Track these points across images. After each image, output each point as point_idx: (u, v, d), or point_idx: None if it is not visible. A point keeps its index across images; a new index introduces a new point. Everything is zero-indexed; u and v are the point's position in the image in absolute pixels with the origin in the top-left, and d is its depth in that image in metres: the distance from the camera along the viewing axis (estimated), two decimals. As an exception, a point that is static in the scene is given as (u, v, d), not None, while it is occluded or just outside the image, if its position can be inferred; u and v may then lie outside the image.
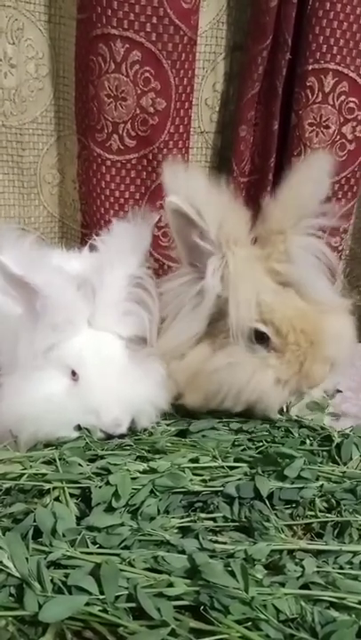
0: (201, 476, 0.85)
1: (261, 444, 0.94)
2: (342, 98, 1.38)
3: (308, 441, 0.96)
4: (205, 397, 0.97)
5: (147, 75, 1.32)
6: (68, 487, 0.79)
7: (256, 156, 1.49)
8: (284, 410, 1.01)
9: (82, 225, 1.57)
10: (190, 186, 0.94)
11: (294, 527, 0.80)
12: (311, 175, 0.98)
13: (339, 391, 1.17)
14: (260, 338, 0.96)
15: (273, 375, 0.95)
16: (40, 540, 0.70)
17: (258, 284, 0.94)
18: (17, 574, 0.64)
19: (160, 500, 0.80)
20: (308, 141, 1.41)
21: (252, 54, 1.35)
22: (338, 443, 0.95)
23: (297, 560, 0.71)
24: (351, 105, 1.39)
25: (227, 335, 0.96)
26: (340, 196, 1.49)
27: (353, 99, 1.39)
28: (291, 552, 0.73)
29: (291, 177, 0.99)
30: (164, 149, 1.39)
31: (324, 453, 0.94)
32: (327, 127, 1.40)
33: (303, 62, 1.35)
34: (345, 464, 0.91)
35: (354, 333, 1.03)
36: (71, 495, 0.79)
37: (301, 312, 0.96)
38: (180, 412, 1.02)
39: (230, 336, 0.94)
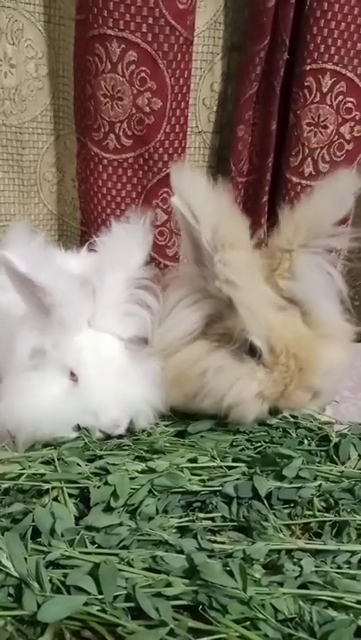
0: (199, 475, 0.85)
1: (260, 444, 0.94)
2: (340, 98, 1.38)
3: (305, 441, 0.96)
4: (186, 396, 0.97)
5: (143, 75, 1.32)
6: (67, 487, 0.79)
7: (254, 156, 1.49)
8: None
9: (81, 223, 1.57)
10: (191, 188, 0.94)
11: (293, 527, 0.80)
12: (332, 195, 0.96)
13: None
14: (252, 350, 0.95)
15: (257, 388, 0.95)
16: (39, 539, 0.70)
17: (256, 295, 0.94)
18: (16, 574, 0.64)
19: (159, 499, 0.80)
20: (306, 141, 1.41)
21: (250, 54, 1.35)
22: (336, 442, 0.95)
23: (295, 560, 0.71)
24: (349, 105, 1.39)
25: (220, 338, 0.97)
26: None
27: (351, 98, 1.39)
28: (289, 552, 0.73)
29: (313, 193, 0.98)
30: (160, 149, 1.39)
31: (322, 453, 0.94)
32: (325, 127, 1.40)
33: (301, 62, 1.35)
34: (343, 464, 0.91)
35: (347, 364, 1.03)
36: (70, 495, 0.79)
37: (299, 337, 0.96)
38: (178, 413, 1.02)
39: (233, 338, 0.94)
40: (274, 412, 0.99)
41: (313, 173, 1.43)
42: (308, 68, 1.35)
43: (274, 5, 1.29)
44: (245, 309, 0.92)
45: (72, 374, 0.94)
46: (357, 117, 1.41)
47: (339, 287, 1.01)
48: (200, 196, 0.94)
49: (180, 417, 1.02)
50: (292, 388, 0.96)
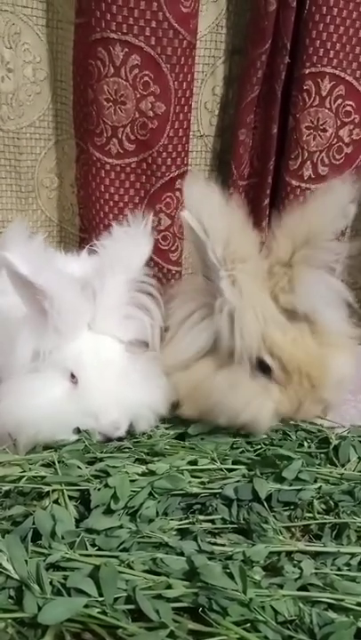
0: (199, 478, 0.86)
1: (259, 446, 0.94)
2: (339, 101, 1.39)
3: (305, 443, 0.97)
4: (201, 412, 0.96)
5: (146, 79, 1.32)
6: (67, 490, 0.80)
7: (255, 160, 1.50)
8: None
9: (80, 229, 1.57)
10: (202, 203, 0.93)
11: (293, 529, 0.80)
12: (332, 206, 0.94)
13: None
14: (264, 367, 0.95)
15: (273, 406, 0.95)
16: (39, 542, 0.70)
17: (264, 312, 0.93)
18: (16, 576, 0.64)
19: (159, 502, 0.80)
20: (305, 144, 1.41)
21: (252, 58, 1.36)
22: (336, 445, 0.95)
23: (295, 562, 0.71)
24: (348, 108, 1.40)
25: (232, 354, 0.94)
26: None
27: (350, 102, 1.39)
28: (289, 554, 0.73)
29: (308, 203, 0.96)
30: (164, 153, 1.40)
31: (322, 455, 0.94)
32: (324, 130, 1.40)
33: (300, 66, 1.36)
34: (343, 466, 0.91)
35: (354, 370, 1.02)
36: (70, 498, 0.79)
37: (310, 356, 0.95)
38: (178, 416, 1.02)
39: (235, 356, 0.93)
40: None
41: (312, 176, 1.44)
42: (307, 71, 1.35)
43: (275, 9, 1.30)
44: (251, 326, 0.91)
45: (72, 376, 0.94)
46: (356, 121, 1.42)
47: (343, 295, 0.99)
48: (212, 211, 0.93)
49: (181, 420, 1.02)
50: (307, 405, 0.97)
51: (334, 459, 0.92)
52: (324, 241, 0.93)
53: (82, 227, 1.57)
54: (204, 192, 0.96)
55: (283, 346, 0.94)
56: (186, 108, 1.39)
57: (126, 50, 1.29)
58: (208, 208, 0.93)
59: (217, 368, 0.96)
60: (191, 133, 1.46)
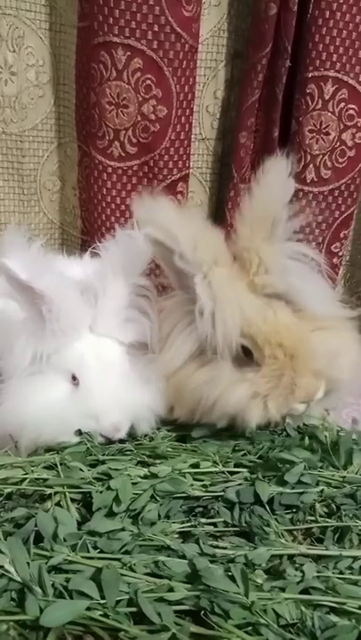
0: (201, 481, 0.86)
1: (261, 446, 0.94)
2: (342, 105, 1.39)
3: (306, 440, 0.96)
4: (191, 412, 0.96)
5: (148, 82, 1.33)
6: (70, 492, 0.80)
7: (256, 163, 1.50)
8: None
9: (82, 232, 1.58)
10: (161, 215, 0.96)
11: (294, 532, 0.80)
12: (269, 183, 0.97)
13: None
14: (246, 354, 0.95)
15: (249, 389, 0.93)
16: (41, 544, 0.70)
17: (241, 300, 0.94)
18: (18, 579, 0.64)
19: (161, 505, 0.80)
20: (308, 148, 1.42)
21: (253, 62, 1.36)
22: (338, 447, 0.94)
23: (297, 565, 0.71)
24: (351, 112, 1.40)
25: (214, 352, 0.96)
26: (340, 202, 1.50)
27: (353, 106, 1.40)
28: (291, 557, 0.73)
29: (252, 188, 0.98)
30: (165, 156, 1.40)
31: (324, 458, 0.94)
32: (327, 134, 1.41)
33: (303, 70, 1.36)
34: (345, 469, 0.91)
35: (358, 347, 0.99)
36: (72, 500, 0.79)
37: (279, 326, 0.94)
38: (175, 420, 1.02)
39: (217, 353, 0.94)
40: (287, 413, 0.97)
41: (315, 180, 1.44)
42: (310, 75, 1.36)
43: (276, 13, 1.30)
44: (225, 317, 0.92)
45: (74, 378, 0.94)
46: (359, 124, 1.42)
47: (322, 265, 1.01)
48: (173, 220, 0.95)
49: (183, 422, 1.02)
50: (289, 378, 0.93)
51: (336, 462, 0.92)
52: (276, 216, 0.96)
53: (84, 229, 1.57)
54: (156, 205, 0.98)
55: (252, 321, 0.93)
56: (187, 111, 1.39)
57: (128, 53, 1.29)
58: (166, 218, 0.95)
59: (199, 367, 0.97)
60: (193, 136, 1.47)
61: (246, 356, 0.95)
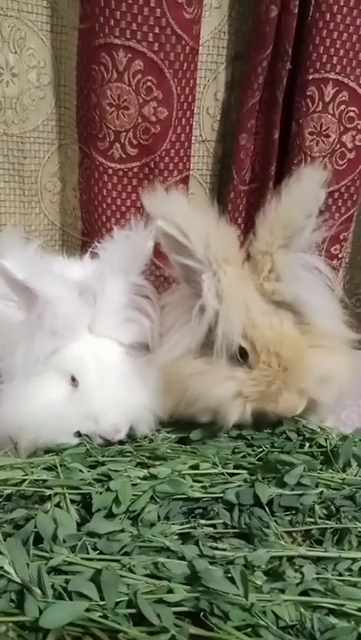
0: (201, 482, 0.86)
1: (261, 449, 0.94)
2: (342, 107, 1.39)
3: (306, 443, 0.96)
4: (177, 404, 0.96)
5: (149, 84, 1.33)
6: (69, 493, 0.80)
7: (257, 165, 1.50)
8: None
9: (82, 233, 1.58)
10: (173, 208, 0.95)
11: (294, 534, 0.80)
12: (300, 191, 0.96)
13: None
14: (242, 355, 0.95)
15: (235, 387, 0.93)
16: (41, 545, 0.70)
17: (248, 301, 0.94)
18: (18, 580, 0.64)
19: (160, 506, 0.80)
20: (308, 150, 1.42)
21: (253, 64, 1.37)
22: (337, 449, 0.95)
23: (296, 566, 0.71)
24: (351, 114, 1.41)
25: (212, 348, 0.95)
26: (340, 205, 1.50)
27: (353, 108, 1.40)
28: (290, 558, 0.73)
29: (281, 193, 0.97)
30: (166, 158, 1.40)
31: (323, 460, 0.94)
32: (327, 136, 1.41)
33: (304, 72, 1.37)
34: (344, 471, 0.91)
35: (350, 374, 1.00)
36: (72, 501, 0.79)
37: (282, 336, 0.94)
38: (179, 420, 1.02)
39: (215, 349, 0.93)
40: (262, 417, 0.97)
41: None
42: (310, 77, 1.36)
43: (277, 15, 1.31)
44: (230, 316, 0.92)
45: (73, 379, 0.95)
46: (359, 126, 1.43)
47: (331, 285, 1.00)
48: (185, 215, 0.94)
49: (182, 424, 1.02)
50: (277, 389, 0.93)
51: (335, 464, 0.92)
52: (300, 225, 0.95)
53: (84, 231, 1.57)
54: (170, 199, 0.97)
55: (256, 327, 0.93)
56: (188, 113, 1.40)
57: (129, 55, 1.29)
58: (178, 213, 0.94)
59: (194, 358, 0.96)
60: (193, 138, 1.47)
61: (241, 357, 0.95)
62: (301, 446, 0.96)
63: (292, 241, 0.95)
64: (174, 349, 0.98)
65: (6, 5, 1.34)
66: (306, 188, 0.96)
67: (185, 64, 1.34)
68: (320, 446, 0.96)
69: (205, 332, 0.95)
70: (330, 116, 1.39)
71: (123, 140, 1.38)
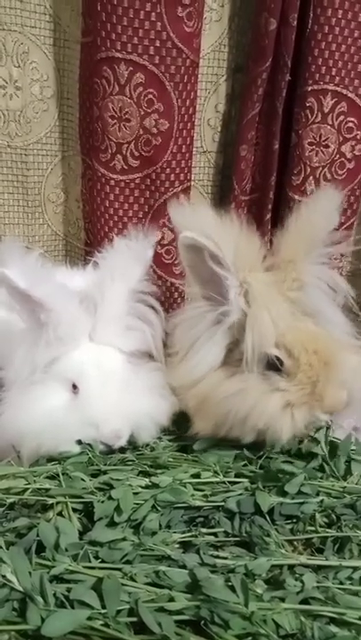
0: (202, 491, 0.86)
1: (263, 454, 0.95)
2: (341, 118, 1.40)
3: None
4: (215, 425, 0.94)
5: (150, 96, 1.34)
6: (71, 502, 0.81)
7: (257, 175, 1.51)
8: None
9: (85, 243, 1.59)
10: (200, 219, 0.96)
11: (295, 542, 0.80)
12: (322, 207, 0.99)
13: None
14: (275, 365, 0.94)
15: (281, 399, 0.91)
16: (43, 554, 0.71)
17: (277, 309, 0.94)
18: (20, 588, 0.65)
19: (162, 514, 0.81)
20: (308, 160, 1.43)
21: (253, 76, 1.38)
22: (337, 455, 0.95)
23: (297, 575, 0.72)
24: (350, 125, 1.41)
25: (240, 363, 0.94)
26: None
27: (352, 119, 1.41)
28: (291, 567, 0.74)
29: (301, 209, 1.01)
30: (167, 169, 1.41)
31: (323, 467, 0.94)
32: (327, 146, 1.42)
33: (303, 83, 1.38)
34: (345, 479, 0.91)
35: None
36: (74, 510, 0.80)
37: (315, 334, 0.95)
38: (181, 428, 1.02)
39: (243, 363, 0.93)
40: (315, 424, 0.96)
41: (315, 192, 1.45)
42: (309, 88, 1.37)
43: (276, 28, 1.32)
44: (261, 324, 0.92)
45: (74, 387, 0.95)
46: (358, 137, 1.43)
47: (347, 294, 1.02)
48: (213, 225, 0.95)
49: (184, 431, 1.02)
50: (323, 386, 0.92)
51: (336, 471, 0.92)
52: (317, 238, 0.98)
53: (87, 241, 1.58)
54: (195, 210, 0.99)
55: (286, 330, 0.93)
56: (189, 124, 1.41)
57: (131, 68, 1.31)
58: (206, 223, 0.95)
59: (226, 377, 0.95)
60: (194, 149, 1.48)
61: (274, 368, 0.94)
62: (300, 442, 0.96)
63: (310, 252, 0.97)
64: (199, 367, 0.97)
65: (10, 20, 1.36)
66: (322, 206, 0.99)
67: (185, 77, 1.35)
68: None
69: (228, 346, 0.96)
70: (329, 127, 1.40)
71: (124, 152, 1.39)
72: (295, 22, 1.31)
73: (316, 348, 0.93)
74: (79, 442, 0.93)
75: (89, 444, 0.93)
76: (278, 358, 0.93)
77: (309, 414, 0.93)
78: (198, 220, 0.95)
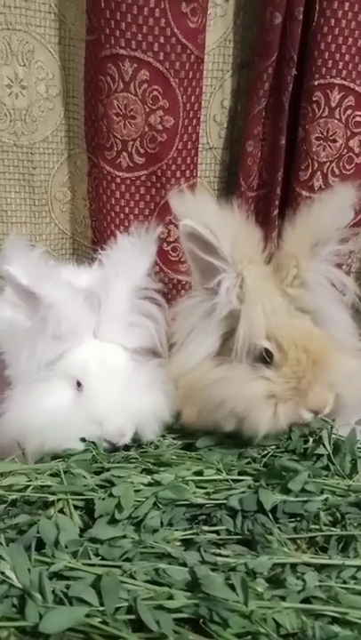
0: (205, 488, 0.85)
1: (267, 452, 0.94)
2: (349, 112, 1.39)
3: (310, 439, 0.96)
4: (200, 412, 0.95)
5: (155, 93, 1.34)
6: (72, 499, 0.80)
7: (264, 171, 1.50)
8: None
9: (92, 241, 1.59)
10: (201, 208, 0.95)
11: (298, 541, 0.79)
12: (332, 205, 0.97)
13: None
14: (265, 358, 0.94)
15: (265, 387, 0.92)
16: (43, 551, 0.71)
17: (271, 302, 0.93)
18: (19, 585, 0.65)
19: (163, 512, 0.80)
20: (315, 155, 1.42)
21: (259, 71, 1.37)
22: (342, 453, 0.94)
23: (299, 574, 0.71)
24: (358, 119, 1.40)
25: (232, 353, 0.94)
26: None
27: (359, 112, 1.39)
28: (293, 566, 0.73)
29: (312, 205, 0.99)
30: (173, 166, 1.41)
31: (329, 465, 0.93)
32: (334, 141, 1.41)
33: (309, 77, 1.36)
34: (350, 477, 0.90)
35: None
36: (75, 507, 0.80)
37: (309, 332, 0.94)
38: (184, 427, 1.02)
39: (233, 353, 0.93)
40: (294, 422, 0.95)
41: (323, 187, 1.44)
42: (316, 83, 1.36)
43: (281, 22, 1.31)
44: (253, 316, 0.92)
45: (78, 384, 0.95)
46: (366, 131, 1.42)
47: (352, 292, 1.01)
48: (213, 215, 0.95)
49: (188, 430, 1.02)
50: (307, 383, 0.92)
51: (341, 469, 0.91)
52: (329, 234, 0.96)
53: (94, 239, 1.58)
54: (198, 199, 0.98)
55: (280, 327, 0.93)
56: (195, 121, 1.40)
57: (135, 65, 1.31)
58: (206, 213, 0.94)
59: (215, 366, 0.96)
60: (200, 146, 1.47)
61: (264, 360, 0.94)
62: (305, 442, 0.95)
63: (317, 250, 0.96)
64: (193, 356, 0.97)
65: (15, 20, 1.36)
66: (336, 203, 0.97)
67: (190, 73, 1.34)
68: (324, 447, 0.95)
69: (224, 336, 0.96)
70: (336, 121, 1.39)
71: (130, 149, 1.39)
72: (301, 16, 1.30)
73: (306, 345, 0.92)
74: (83, 439, 0.93)
75: (93, 442, 0.93)
76: (268, 351, 0.93)
77: (293, 412, 0.93)
78: (199, 210, 0.95)
